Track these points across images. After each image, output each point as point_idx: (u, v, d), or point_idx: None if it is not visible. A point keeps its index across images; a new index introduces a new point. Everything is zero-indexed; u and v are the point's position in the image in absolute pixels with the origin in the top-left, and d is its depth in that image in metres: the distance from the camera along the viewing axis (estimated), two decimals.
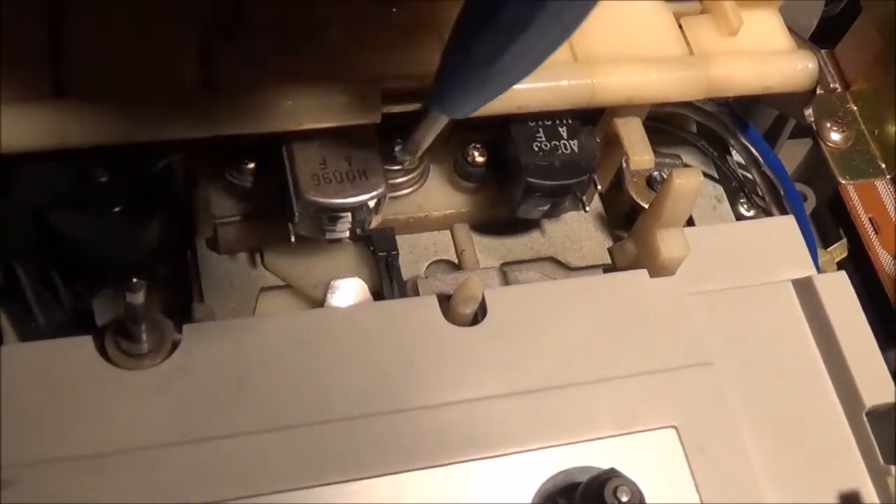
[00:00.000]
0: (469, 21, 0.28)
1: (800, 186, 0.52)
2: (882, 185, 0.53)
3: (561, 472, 0.33)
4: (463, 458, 0.33)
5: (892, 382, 0.37)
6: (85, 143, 0.32)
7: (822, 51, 0.56)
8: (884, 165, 0.53)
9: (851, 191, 0.52)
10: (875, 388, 0.37)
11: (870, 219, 0.52)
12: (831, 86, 0.38)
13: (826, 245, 0.49)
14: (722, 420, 0.35)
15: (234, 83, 0.34)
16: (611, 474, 0.32)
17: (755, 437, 0.35)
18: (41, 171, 0.33)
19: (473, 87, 0.30)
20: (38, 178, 0.33)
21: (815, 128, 0.53)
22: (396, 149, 0.36)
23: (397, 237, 0.39)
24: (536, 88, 0.36)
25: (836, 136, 0.53)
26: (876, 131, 0.54)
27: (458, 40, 0.29)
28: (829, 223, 0.54)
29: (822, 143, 0.53)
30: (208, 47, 0.34)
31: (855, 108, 0.55)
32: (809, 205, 0.51)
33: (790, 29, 0.40)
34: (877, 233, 0.52)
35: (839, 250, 0.45)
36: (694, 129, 0.44)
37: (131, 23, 0.34)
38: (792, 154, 0.54)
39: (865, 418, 0.36)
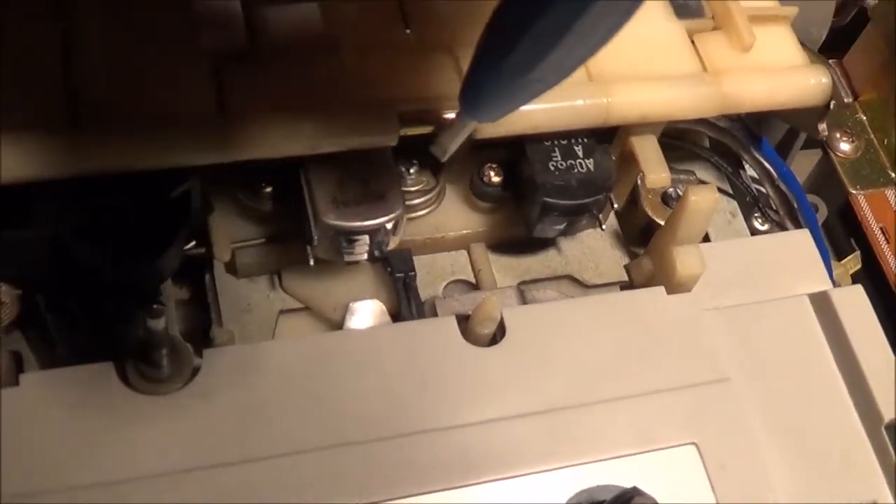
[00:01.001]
0: (502, 31, 0.27)
1: (811, 197, 0.52)
2: (892, 195, 0.53)
3: (583, 491, 0.33)
4: (484, 479, 0.33)
5: None
6: (101, 172, 0.32)
7: (830, 61, 0.57)
8: (894, 175, 0.53)
9: (862, 200, 0.53)
10: (894, 401, 0.37)
11: (881, 228, 0.52)
12: (845, 100, 0.38)
13: (838, 255, 0.49)
14: (741, 436, 0.35)
15: (249, 109, 0.34)
16: (633, 493, 0.32)
17: (774, 453, 0.35)
18: (60, 200, 0.33)
19: (507, 94, 0.29)
20: (56, 207, 0.33)
21: (824, 138, 0.53)
22: (412, 170, 0.36)
23: (415, 258, 0.39)
24: (552, 108, 0.36)
25: (845, 147, 0.53)
26: (885, 141, 0.54)
27: (491, 49, 0.28)
28: (841, 233, 0.54)
29: (831, 154, 0.53)
30: (223, 74, 0.34)
31: (864, 117, 0.55)
32: (821, 216, 0.51)
33: (803, 44, 0.40)
34: (888, 242, 0.52)
35: (853, 262, 0.46)
36: (707, 144, 0.44)
37: (146, 51, 0.34)
38: (802, 165, 0.55)
39: (884, 432, 0.36)
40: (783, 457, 0.35)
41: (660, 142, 0.40)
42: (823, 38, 0.48)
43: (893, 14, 0.52)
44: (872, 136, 0.54)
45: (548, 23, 0.26)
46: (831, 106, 0.39)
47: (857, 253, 0.46)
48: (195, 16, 0.35)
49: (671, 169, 0.40)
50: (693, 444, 0.35)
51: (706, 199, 0.36)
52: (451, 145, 0.34)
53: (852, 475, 0.36)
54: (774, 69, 0.39)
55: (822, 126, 0.40)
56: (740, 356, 0.37)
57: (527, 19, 0.26)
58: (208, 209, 0.37)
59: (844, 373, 0.38)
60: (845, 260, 0.45)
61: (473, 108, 0.31)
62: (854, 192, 0.53)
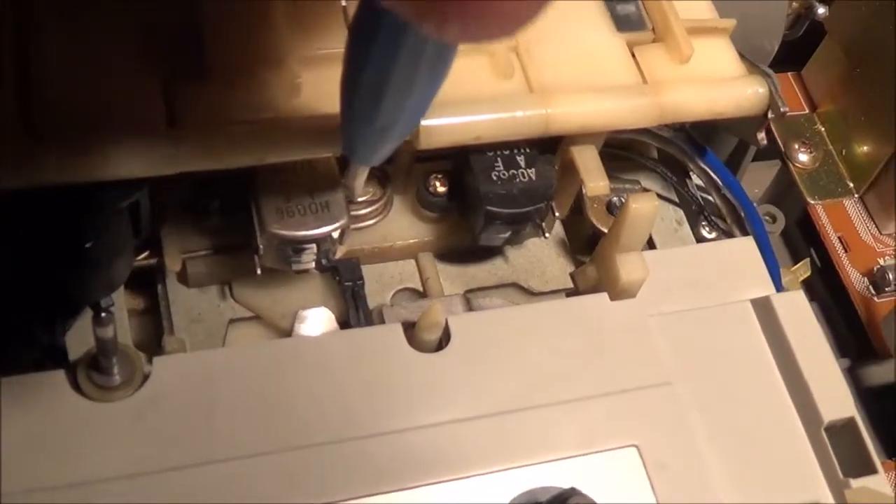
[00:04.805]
0: (344, 85, 0.30)
1: (769, 207, 0.53)
2: (850, 204, 0.54)
3: (524, 493, 0.34)
4: (429, 481, 0.33)
5: (850, 397, 0.38)
6: (55, 183, 0.33)
7: (789, 73, 0.58)
8: (851, 185, 0.54)
9: (820, 210, 0.54)
10: (833, 403, 0.37)
11: (839, 237, 0.53)
12: (781, 109, 0.38)
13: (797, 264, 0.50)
14: (683, 438, 0.36)
15: (198, 121, 0.35)
16: (570, 493, 0.33)
17: (716, 454, 0.36)
18: (13, 212, 0.34)
19: (370, 140, 0.31)
20: (10, 219, 0.34)
21: (783, 149, 0.54)
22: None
23: (363, 267, 0.39)
24: (493, 119, 0.37)
25: (804, 157, 0.54)
26: (843, 151, 0.55)
27: (343, 100, 0.31)
28: (800, 242, 0.55)
29: (790, 165, 0.54)
30: (172, 87, 0.35)
31: (822, 128, 0.56)
32: (779, 225, 0.52)
33: (742, 55, 0.41)
34: (846, 251, 0.53)
35: (803, 269, 0.46)
36: (655, 154, 0.45)
37: (98, 65, 0.35)
38: (761, 175, 0.55)
39: (824, 433, 0.37)
40: (725, 458, 0.36)
41: (607, 153, 0.41)
42: (775, 51, 0.49)
43: (851, 26, 0.53)
44: (831, 147, 0.55)
45: (369, 76, 0.28)
46: (768, 115, 0.40)
47: (807, 260, 0.46)
48: (147, 30, 0.36)
49: (618, 179, 0.41)
50: (634, 445, 0.35)
51: (646, 207, 0.36)
52: (355, 186, 0.36)
53: (793, 476, 0.37)
54: (712, 80, 0.40)
55: (761, 135, 0.41)
56: (683, 360, 0.37)
57: (355, 74, 0.29)
58: (160, 219, 0.37)
59: (785, 376, 0.38)
60: (795, 267, 0.46)
61: (352, 153, 0.33)
62: (812, 202, 0.54)
